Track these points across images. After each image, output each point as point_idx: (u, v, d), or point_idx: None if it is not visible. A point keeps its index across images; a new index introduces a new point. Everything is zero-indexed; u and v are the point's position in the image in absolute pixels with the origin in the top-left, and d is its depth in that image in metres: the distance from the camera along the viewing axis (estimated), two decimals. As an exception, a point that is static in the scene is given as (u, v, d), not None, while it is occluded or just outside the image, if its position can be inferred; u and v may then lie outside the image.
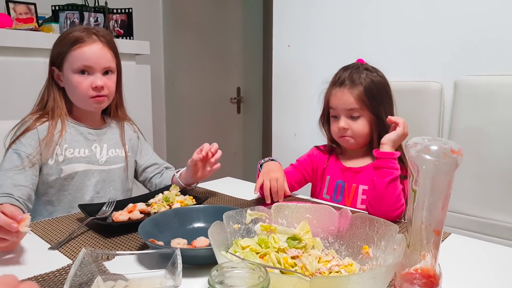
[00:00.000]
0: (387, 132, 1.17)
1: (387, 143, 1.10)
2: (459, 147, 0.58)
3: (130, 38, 2.53)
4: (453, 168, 0.58)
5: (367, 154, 1.26)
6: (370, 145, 1.24)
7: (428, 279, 0.60)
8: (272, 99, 2.28)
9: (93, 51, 1.18)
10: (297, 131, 2.14)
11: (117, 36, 2.51)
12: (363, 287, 0.56)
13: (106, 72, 1.21)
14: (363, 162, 1.26)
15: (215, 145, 1.24)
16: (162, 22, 2.96)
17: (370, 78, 1.22)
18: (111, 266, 0.72)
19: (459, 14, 1.54)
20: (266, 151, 2.39)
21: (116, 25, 2.50)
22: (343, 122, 1.21)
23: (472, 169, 1.39)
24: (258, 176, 1.23)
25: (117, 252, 0.74)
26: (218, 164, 1.25)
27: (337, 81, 1.23)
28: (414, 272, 0.61)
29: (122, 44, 2.25)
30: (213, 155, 1.23)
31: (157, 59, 2.93)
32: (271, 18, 2.22)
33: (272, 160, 1.27)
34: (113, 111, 1.33)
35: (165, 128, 3.02)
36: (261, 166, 1.26)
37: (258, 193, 1.20)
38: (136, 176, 1.40)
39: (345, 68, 1.26)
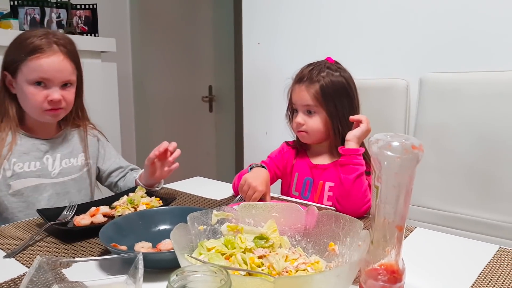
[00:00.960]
0: (344, 131, 1.19)
1: (352, 140, 1.11)
2: (420, 143, 0.59)
3: (95, 35, 2.46)
4: (414, 163, 0.58)
5: (333, 151, 1.27)
6: (334, 142, 1.25)
7: (391, 275, 0.60)
8: (243, 97, 2.26)
9: (52, 63, 1.09)
10: (269, 129, 2.14)
11: (81, 33, 2.44)
12: (328, 286, 0.55)
13: (65, 84, 1.14)
14: (330, 159, 1.27)
15: (173, 144, 1.20)
16: (129, 18, 2.90)
17: (330, 77, 1.22)
18: (70, 273, 0.68)
19: (425, 12, 1.56)
20: (239, 150, 2.37)
21: (80, 21, 2.43)
22: (300, 117, 1.24)
23: (437, 164, 1.42)
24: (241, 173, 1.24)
25: (76, 258, 0.71)
26: (176, 164, 1.22)
27: (298, 77, 1.26)
28: (378, 268, 0.61)
29: (87, 41, 2.21)
30: (171, 153, 1.19)
31: (124, 57, 2.87)
32: (241, 15, 2.20)
33: (263, 167, 1.24)
34: (72, 117, 1.25)
35: (134, 129, 2.96)
36: (251, 168, 1.23)
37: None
38: (101, 181, 1.36)
39: (308, 65, 1.28)
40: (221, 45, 3.47)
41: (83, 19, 2.48)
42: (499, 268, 0.78)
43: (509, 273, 0.76)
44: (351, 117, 1.16)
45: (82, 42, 2.16)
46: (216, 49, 3.47)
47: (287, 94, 1.32)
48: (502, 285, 0.71)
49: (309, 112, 1.24)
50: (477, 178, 1.35)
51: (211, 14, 3.38)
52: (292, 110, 1.31)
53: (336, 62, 1.28)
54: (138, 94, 3.00)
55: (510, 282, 0.72)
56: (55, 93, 1.11)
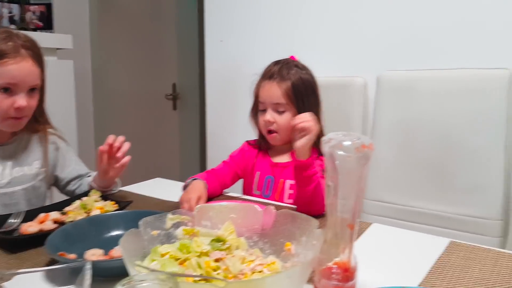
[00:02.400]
0: None
1: (301, 150, 1.06)
2: (371, 142, 0.59)
3: (50, 31, 2.37)
4: (365, 162, 0.58)
5: (292, 148, 1.27)
6: None
7: (344, 273, 0.60)
8: (206, 95, 2.24)
9: (22, 69, 1.04)
10: (232, 127, 2.12)
11: (35, 29, 2.34)
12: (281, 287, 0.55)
13: (31, 89, 1.09)
14: (290, 157, 1.27)
15: (119, 138, 1.16)
16: (89, 14, 2.81)
17: (299, 75, 1.23)
18: (13, 286, 0.65)
19: (382, 12, 1.60)
20: (203, 149, 2.35)
21: (34, 17, 2.33)
22: (269, 115, 1.22)
23: (394, 160, 1.45)
24: None
25: (18, 270, 0.67)
26: (127, 157, 1.17)
27: (267, 74, 1.24)
28: (332, 266, 0.61)
29: (41, 38, 2.10)
30: (119, 148, 1.14)
31: (83, 54, 2.78)
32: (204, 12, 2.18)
33: (194, 179, 1.20)
34: (29, 122, 1.17)
35: (93, 129, 2.88)
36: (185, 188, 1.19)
37: None
38: (59, 189, 1.30)
39: (276, 62, 1.27)
40: (184, 42, 3.42)
41: (38, 14, 2.38)
42: (449, 260, 0.80)
43: (458, 265, 0.78)
44: (292, 122, 1.08)
45: (36, 38, 2.08)
46: (180, 46, 3.41)
47: (254, 92, 1.29)
48: (451, 277, 0.73)
49: (277, 111, 1.22)
50: (431, 172, 1.39)
51: (174, 10, 3.31)
52: (257, 108, 1.29)
53: (297, 61, 1.29)
54: (98, 93, 2.91)
55: (459, 274, 0.75)
56: (21, 100, 1.05)
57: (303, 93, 1.22)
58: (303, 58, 1.31)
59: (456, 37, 1.45)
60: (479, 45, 1.41)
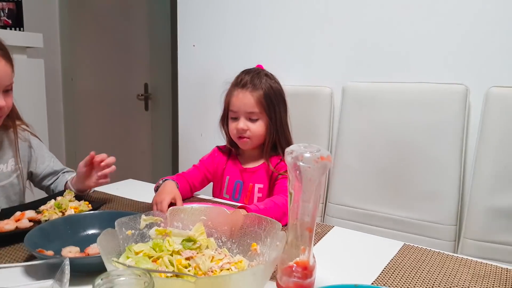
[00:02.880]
0: (279, 135, 1.29)
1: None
2: (329, 154, 0.66)
3: (19, 29, 2.34)
4: (323, 172, 0.65)
5: (261, 155, 1.33)
6: (263, 146, 1.32)
7: (303, 271, 0.67)
8: (178, 98, 2.27)
9: None
10: (204, 131, 2.16)
11: (4, 27, 2.31)
12: (246, 284, 0.61)
13: (6, 89, 1.10)
14: (258, 162, 1.33)
15: (102, 155, 1.19)
16: (59, 12, 2.78)
17: (269, 84, 1.29)
18: (-6, 280, 0.69)
19: (350, 25, 1.67)
20: (176, 150, 2.38)
21: (2, 14, 2.30)
22: (242, 123, 1.27)
23: (357, 166, 1.54)
24: None
25: (-1, 265, 0.70)
26: (107, 180, 1.21)
27: (239, 83, 1.29)
28: (292, 265, 0.68)
29: (11, 36, 2.10)
30: (99, 163, 1.18)
31: (53, 53, 2.75)
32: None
33: (166, 180, 1.24)
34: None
35: (63, 128, 2.85)
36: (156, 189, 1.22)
37: None
38: (33, 184, 1.32)
39: (246, 72, 1.32)
40: (157, 43, 3.43)
41: (6, 11, 2.35)
42: (401, 262, 0.88)
43: (409, 266, 0.86)
44: None
45: (5, 36, 2.05)
46: (152, 47, 3.42)
47: (225, 100, 1.33)
48: (402, 277, 0.81)
49: (250, 119, 1.27)
50: (391, 179, 1.49)
51: (146, 10, 3.32)
52: (227, 116, 1.33)
53: (265, 70, 1.35)
54: (68, 92, 2.89)
55: (410, 274, 0.83)
56: (0, 100, 1.07)
57: (274, 101, 1.29)
58: (273, 67, 1.37)
59: (418, 52, 1.54)
60: (438, 61, 1.50)
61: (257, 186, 1.31)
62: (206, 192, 1.39)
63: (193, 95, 2.20)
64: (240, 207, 1.03)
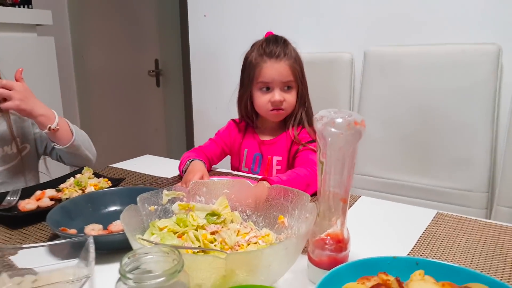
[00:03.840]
0: (305, 104, 1.25)
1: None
2: (362, 119, 0.61)
3: (28, 7, 2.30)
4: (357, 138, 0.61)
5: (279, 126, 1.29)
6: (287, 117, 1.28)
7: (337, 244, 0.64)
8: (191, 72, 2.23)
9: None
10: (218, 104, 2.13)
11: (13, 5, 2.27)
12: (277, 258, 0.58)
13: None
14: (276, 133, 1.29)
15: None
16: (67, -12, 2.73)
17: (296, 51, 1.25)
18: (19, 260, 0.67)
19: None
20: (189, 125, 2.35)
21: (11, -8, 2.25)
22: (278, 94, 1.22)
23: (380, 135, 1.49)
24: None
25: (23, 245, 0.69)
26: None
27: (270, 54, 1.22)
28: (325, 238, 0.65)
29: (20, 14, 2.06)
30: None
31: (62, 30, 2.71)
32: (186, -15, 2.14)
33: (192, 160, 1.20)
34: None
35: (77, 106, 2.84)
36: (185, 171, 1.18)
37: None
38: (52, 158, 1.29)
39: (273, 41, 1.25)
40: (165, 17, 3.36)
41: (14, -11, 2.30)
42: (437, 231, 0.84)
43: (445, 235, 0.82)
44: None
45: (14, 14, 2.03)
46: (161, 21, 3.36)
47: (250, 72, 1.24)
48: (439, 247, 0.77)
49: (287, 88, 1.23)
50: (418, 146, 1.44)
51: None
52: (248, 89, 1.26)
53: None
54: (80, 70, 2.86)
55: (447, 244, 0.79)
56: None
57: (302, 68, 1.25)
58: (288, 34, 1.31)
59: (444, 11, 1.46)
60: (467, 20, 1.42)
61: (275, 158, 1.28)
62: (224, 165, 1.37)
63: (206, 67, 2.15)
64: (261, 179, 1.00)
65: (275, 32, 1.30)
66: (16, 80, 1.09)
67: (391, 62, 1.46)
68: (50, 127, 1.12)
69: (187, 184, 1.05)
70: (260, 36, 1.30)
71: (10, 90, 1.05)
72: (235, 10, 1.97)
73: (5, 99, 1.06)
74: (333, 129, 0.59)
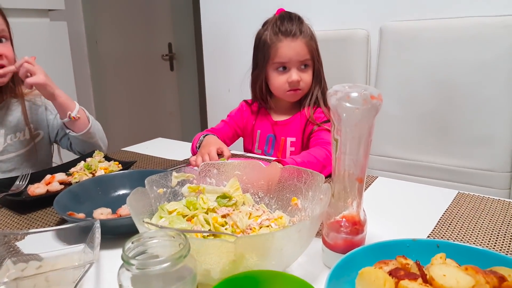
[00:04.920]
0: (321, 82, 1.21)
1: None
2: (379, 93, 0.57)
3: (40, -8, 2.28)
4: (374, 114, 0.57)
5: (294, 105, 1.25)
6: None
7: (353, 226, 0.61)
8: (203, 54, 2.19)
9: None
10: (231, 86, 2.09)
11: (25, -10, 2.25)
12: (290, 242, 0.55)
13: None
14: (290, 113, 1.26)
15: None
16: (78, -28, 2.70)
17: (311, 28, 1.21)
18: (25, 246, 0.66)
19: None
20: (204, 108, 2.33)
21: (21, -23, 2.23)
22: (295, 74, 1.18)
23: (398, 113, 1.44)
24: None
25: (29, 230, 0.68)
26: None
27: (286, 32, 1.17)
28: (340, 220, 0.62)
29: (32, -1, 2.04)
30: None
31: (75, 15, 2.70)
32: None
33: (207, 135, 1.20)
34: (9, 87, 1.13)
35: (92, 91, 2.84)
36: (198, 147, 1.17)
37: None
38: (62, 146, 1.28)
39: (287, 19, 1.20)
40: (179, 0, 3.32)
41: (25, -26, 2.27)
42: (458, 212, 0.81)
43: (467, 216, 0.78)
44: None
45: (26, 0, 2.01)
46: (173, 4, 3.32)
47: (265, 52, 1.20)
48: (461, 228, 0.74)
49: (304, 67, 1.19)
50: (437, 125, 1.38)
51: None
52: (263, 69, 1.22)
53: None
54: (93, 55, 2.85)
55: (469, 225, 0.75)
56: None
57: (317, 46, 1.21)
58: (302, 11, 1.25)
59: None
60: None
61: (289, 140, 1.24)
62: (236, 147, 1.34)
63: (218, 49, 2.12)
64: (275, 161, 0.97)
65: (288, 9, 1.25)
66: None
67: (409, 38, 1.40)
68: (70, 114, 1.11)
69: (203, 158, 1.04)
70: (272, 14, 1.25)
71: (32, 67, 1.04)
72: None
73: (26, 76, 1.04)
74: (348, 104, 0.56)
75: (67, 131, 1.15)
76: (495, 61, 1.26)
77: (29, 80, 1.03)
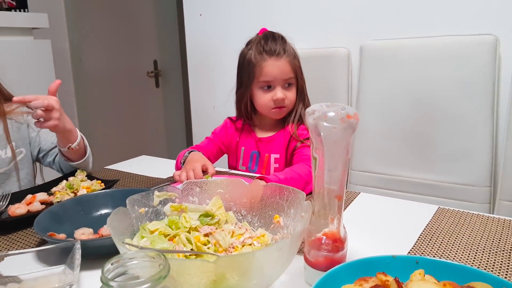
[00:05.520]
0: (305, 99, 1.25)
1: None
2: (355, 112, 0.59)
3: (24, 11, 2.28)
4: (350, 132, 0.58)
5: (278, 122, 1.27)
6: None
7: (333, 244, 0.61)
8: (188, 71, 2.21)
9: None
10: (216, 103, 2.11)
11: (9, 9, 2.25)
12: (270, 260, 0.55)
13: None
14: (274, 130, 1.27)
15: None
16: (63, -9, 2.71)
17: (294, 47, 1.23)
18: (4, 267, 0.64)
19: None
20: (189, 126, 2.33)
21: (6, -4, 2.24)
22: (280, 92, 1.19)
23: (379, 129, 1.46)
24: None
25: (8, 252, 0.66)
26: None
27: (271, 52, 1.19)
28: (321, 237, 0.62)
29: (16, 18, 2.04)
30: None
31: (60, 33, 2.69)
32: (181, -15, 2.12)
33: (191, 151, 1.21)
34: None
35: (76, 108, 2.82)
36: (183, 163, 1.18)
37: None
38: (40, 163, 1.27)
39: (271, 38, 1.22)
40: (164, 18, 3.34)
41: (9, -7, 2.28)
42: (438, 227, 0.82)
43: (447, 231, 0.80)
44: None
45: (10, 18, 2.01)
46: (159, 22, 3.34)
47: (250, 70, 1.21)
48: (441, 244, 0.75)
49: (288, 85, 1.21)
50: (418, 141, 1.41)
51: (150, -17, 3.23)
52: (247, 87, 1.23)
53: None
54: (78, 72, 2.84)
55: (449, 240, 0.76)
56: None
57: (300, 64, 1.24)
58: (286, 31, 1.28)
59: (439, 2, 1.43)
60: (463, 11, 1.39)
61: (273, 156, 1.26)
62: (221, 164, 1.34)
63: (203, 67, 2.13)
64: (258, 178, 0.98)
65: (271, 29, 1.27)
66: (51, 93, 1.06)
67: (388, 56, 1.44)
68: (70, 146, 1.10)
69: (187, 174, 1.03)
70: (255, 33, 1.27)
71: (51, 110, 1.02)
72: (230, 8, 1.95)
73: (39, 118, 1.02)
74: (325, 124, 0.57)
75: (63, 158, 1.15)
76: (472, 78, 1.30)
77: (40, 125, 1.03)
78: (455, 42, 1.33)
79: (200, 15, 2.06)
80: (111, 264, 0.47)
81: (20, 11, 2.28)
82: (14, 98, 1.02)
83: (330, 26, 1.67)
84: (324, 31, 1.68)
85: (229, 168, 1.35)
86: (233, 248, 0.68)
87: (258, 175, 1.21)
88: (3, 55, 1.87)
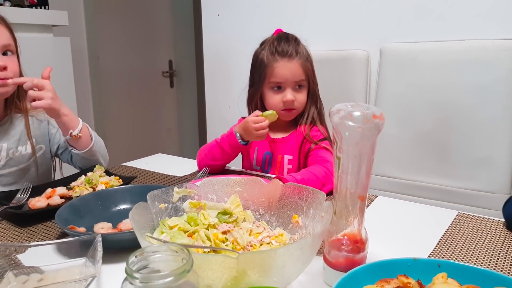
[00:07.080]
0: (317, 102, 1.23)
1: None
2: (381, 112, 0.58)
3: (45, 8, 2.32)
4: (376, 133, 0.58)
5: (291, 123, 1.27)
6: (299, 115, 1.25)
7: (355, 245, 0.61)
8: (204, 71, 2.21)
9: None
10: (231, 103, 2.11)
11: (30, 6, 2.29)
12: (291, 259, 0.55)
13: (4, 53, 1.06)
14: (287, 131, 1.27)
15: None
16: (83, -11, 2.75)
17: (307, 50, 1.22)
18: (26, 259, 0.65)
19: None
20: (202, 125, 2.34)
21: (28, -7, 2.28)
22: (290, 94, 1.19)
23: (397, 134, 1.45)
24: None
25: (31, 243, 0.67)
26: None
27: (283, 53, 1.19)
28: (341, 238, 0.62)
29: (36, 15, 2.08)
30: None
31: (78, 31, 2.73)
32: (200, -15, 2.13)
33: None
34: (14, 101, 1.15)
35: (92, 106, 2.85)
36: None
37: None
38: (63, 161, 1.29)
39: (284, 39, 1.22)
40: (180, 17, 3.37)
41: (32, -10, 2.32)
42: (458, 232, 0.81)
43: (468, 236, 0.79)
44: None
45: (31, 15, 2.05)
46: (175, 22, 3.36)
47: (262, 71, 1.21)
48: (461, 248, 0.74)
49: (299, 87, 1.21)
50: (436, 146, 1.39)
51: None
52: (259, 88, 1.23)
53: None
54: (94, 70, 2.88)
55: (469, 245, 0.75)
56: None
57: (312, 67, 1.23)
58: (303, 32, 1.28)
59: (461, 7, 1.42)
60: (484, 15, 1.38)
61: (286, 157, 1.25)
62: (235, 165, 1.34)
63: (219, 67, 2.14)
64: (275, 178, 0.97)
65: (290, 30, 1.27)
66: (44, 78, 1.08)
67: (408, 59, 1.42)
68: (72, 133, 1.11)
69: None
70: (271, 34, 1.27)
71: (41, 89, 1.04)
72: (248, 8, 1.95)
73: (34, 99, 1.05)
74: (350, 123, 0.57)
75: (70, 148, 1.16)
76: (494, 84, 1.28)
77: (34, 104, 1.04)
78: (477, 46, 1.32)
79: (218, 15, 2.07)
80: (135, 257, 0.48)
81: (41, 8, 2.31)
82: (9, 81, 1.05)
83: (349, 28, 1.66)
84: (342, 33, 1.68)
85: (242, 168, 1.35)
86: (251, 246, 0.68)
87: (273, 176, 1.20)
88: (24, 51, 1.90)
